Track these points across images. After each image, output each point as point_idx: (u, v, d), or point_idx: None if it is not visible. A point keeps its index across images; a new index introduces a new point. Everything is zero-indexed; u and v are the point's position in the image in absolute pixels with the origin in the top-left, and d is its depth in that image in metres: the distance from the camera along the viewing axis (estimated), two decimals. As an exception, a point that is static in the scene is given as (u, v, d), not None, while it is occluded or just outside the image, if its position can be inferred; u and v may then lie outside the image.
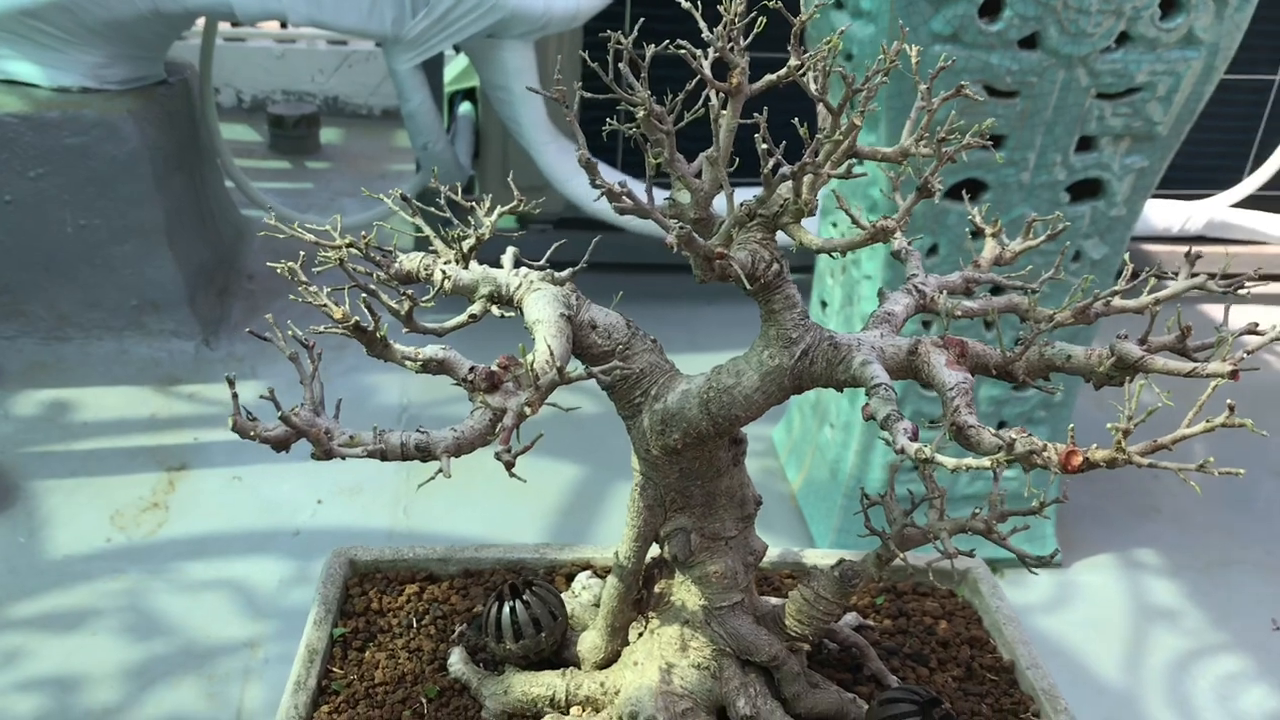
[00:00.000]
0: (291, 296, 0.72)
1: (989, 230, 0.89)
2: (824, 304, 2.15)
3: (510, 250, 0.86)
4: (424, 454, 0.65)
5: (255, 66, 4.24)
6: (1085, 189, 1.87)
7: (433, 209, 0.87)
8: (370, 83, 4.29)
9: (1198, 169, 3.30)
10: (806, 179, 0.69)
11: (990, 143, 0.72)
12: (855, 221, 0.79)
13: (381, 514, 2.14)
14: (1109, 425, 0.63)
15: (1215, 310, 3.09)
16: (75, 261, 2.55)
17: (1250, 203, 3.27)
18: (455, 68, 3.21)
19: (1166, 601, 2.10)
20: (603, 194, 0.70)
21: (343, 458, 0.63)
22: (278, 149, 3.90)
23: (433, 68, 2.97)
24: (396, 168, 3.89)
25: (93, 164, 2.47)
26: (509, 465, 0.63)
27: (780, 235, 0.78)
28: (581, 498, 2.24)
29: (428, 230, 0.85)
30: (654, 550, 0.89)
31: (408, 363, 0.70)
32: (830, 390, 2.15)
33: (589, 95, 0.75)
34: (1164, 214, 3.12)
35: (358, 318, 0.68)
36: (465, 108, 3.07)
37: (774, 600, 0.92)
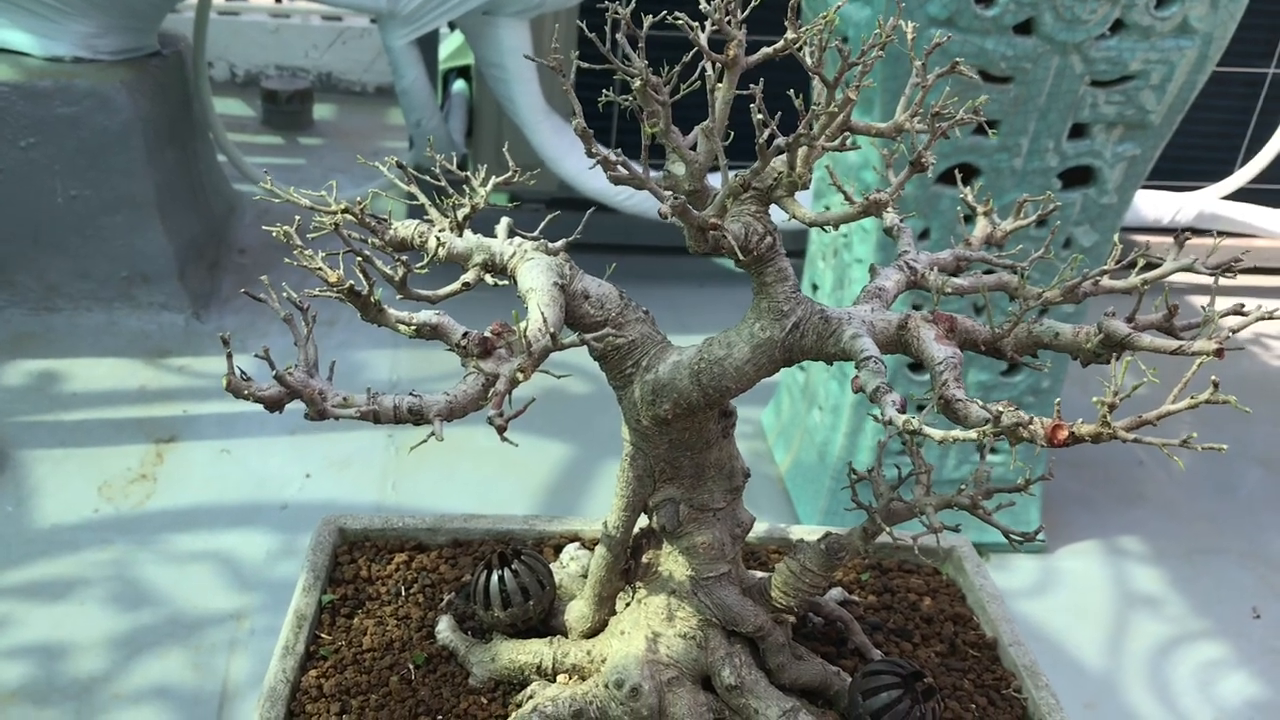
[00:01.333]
0: (286, 260, 0.72)
1: (981, 209, 0.89)
2: (815, 287, 2.16)
3: (505, 220, 0.87)
4: (416, 417, 0.65)
5: (249, 41, 4.23)
6: (1077, 176, 1.87)
7: (428, 177, 0.87)
8: (364, 59, 4.28)
9: (1189, 160, 3.32)
10: (801, 151, 0.70)
11: (983, 118, 0.73)
12: (848, 198, 0.80)
13: (370, 488, 2.14)
14: (1094, 399, 0.64)
15: (1204, 302, 3.11)
16: (65, 232, 2.55)
17: (1241, 195, 3.28)
18: (450, 45, 3.20)
19: (1149, 588, 2.12)
20: (597, 163, 0.70)
21: (336, 418, 0.63)
22: (270, 124, 3.89)
23: (428, 44, 2.96)
24: (389, 144, 3.88)
25: (84, 134, 2.47)
26: (501, 429, 0.63)
27: (774, 210, 0.78)
28: (568, 475, 2.25)
29: (423, 198, 0.85)
30: (642, 521, 0.90)
31: (401, 327, 0.70)
32: (820, 373, 2.16)
33: (585, 66, 0.75)
34: (1154, 205, 3.14)
35: (352, 282, 0.69)
36: (459, 85, 3.06)
37: (760, 574, 0.93)
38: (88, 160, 2.49)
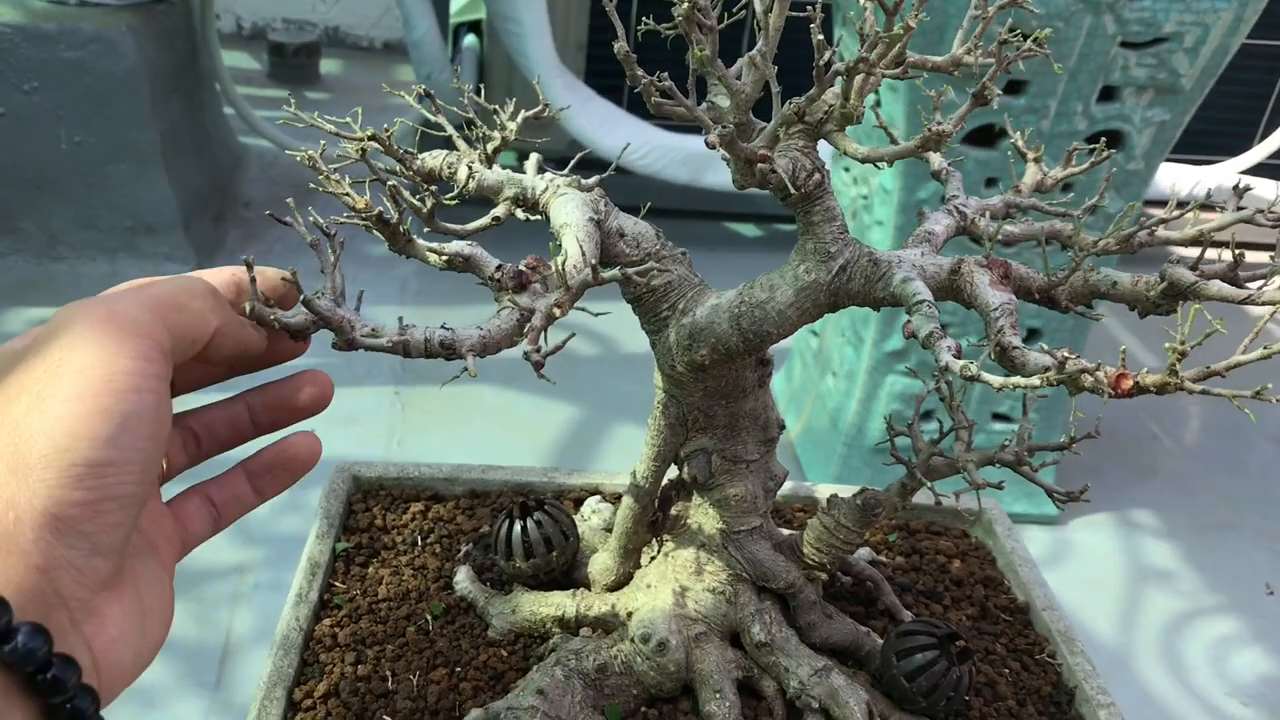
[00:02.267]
0: (311, 185, 0.69)
1: (1031, 155, 0.86)
2: (831, 250, 2.12)
3: (534, 156, 0.84)
4: (448, 351, 0.61)
5: (256, -7, 4.17)
6: (1105, 140, 1.83)
7: (454, 111, 0.83)
8: (372, 14, 4.22)
9: (1208, 134, 3.27)
10: (857, 80, 0.66)
11: (1046, 50, 0.69)
12: (893, 139, 0.76)
13: (375, 446, 2.11)
14: (1165, 345, 0.61)
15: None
16: (69, 179, 2.50)
17: (1259, 171, 3.24)
18: (462, -1, 3.15)
19: (1162, 563, 2.10)
20: (640, 87, 0.67)
21: (365, 349, 0.60)
22: (277, 78, 3.83)
23: (439, -3, 2.91)
24: (396, 101, 3.83)
25: (89, 80, 2.42)
26: (538, 366, 0.60)
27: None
28: (576, 436, 2.22)
29: (450, 130, 0.81)
30: (670, 473, 0.87)
31: (431, 257, 0.67)
32: (834, 338, 2.12)
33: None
34: (1173, 177, 3.10)
35: (380, 209, 0.65)
36: (470, 40, 3.01)
37: (788, 531, 0.90)
38: (92, 106, 2.44)
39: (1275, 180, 3.18)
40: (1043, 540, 2.11)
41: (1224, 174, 3.15)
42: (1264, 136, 3.28)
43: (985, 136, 1.81)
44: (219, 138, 2.94)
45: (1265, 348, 0.63)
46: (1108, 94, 1.77)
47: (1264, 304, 0.66)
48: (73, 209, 2.53)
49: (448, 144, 0.82)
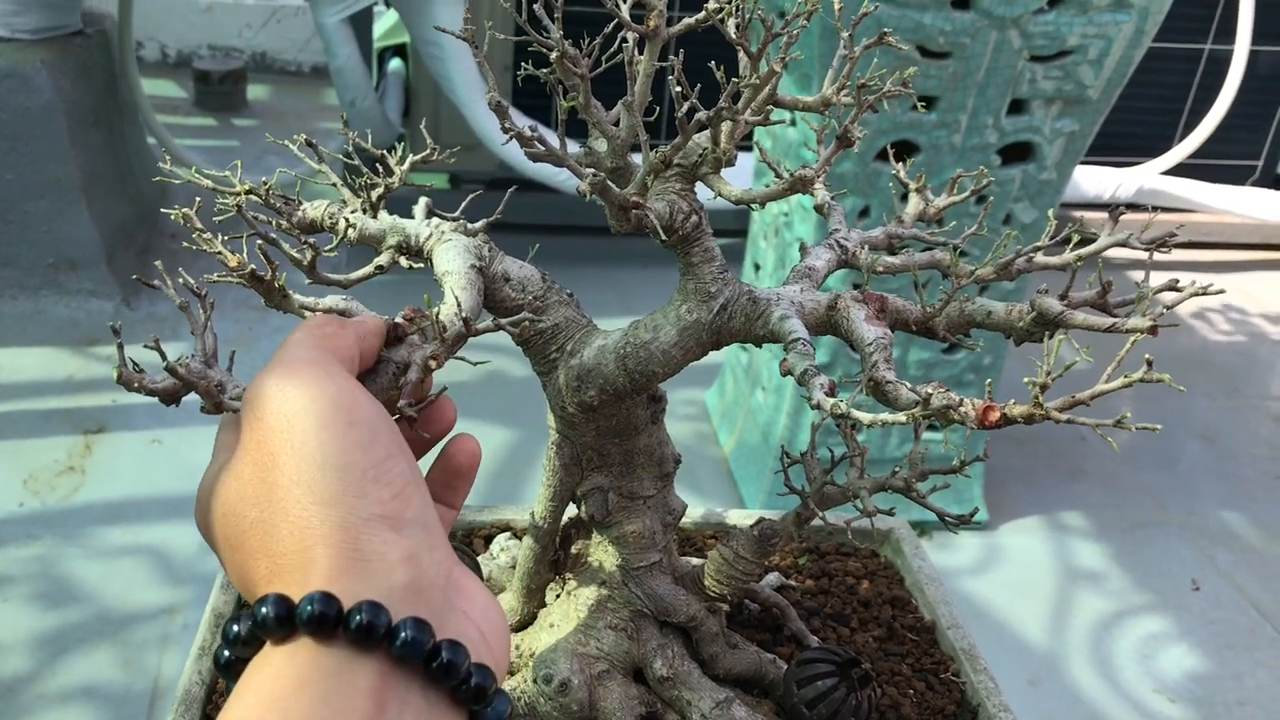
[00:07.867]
0: (185, 244, 0.68)
1: (913, 185, 0.87)
2: (757, 267, 2.14)
3: (422, 200, 0.83)
4: (322, 408, 0.61)
5: (180, 20, 4.12)
6: (1016, 152, 1.87)
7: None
8: (299, 39, 4.19)
9: (1129, 136, 3.33)
10: (725, 126, 0.67)
11: (911, 90, 0.70)
12: (778, 175, 0.77)
13: (306, 478, 2.10)
14: (1026, 380, 0.62)
15: (1142, 278, 3.13)
16: (-14, 218, 2.47)
17: (1180, 170, 3.31)
18: (385, 23, 3.14)
19: (1091, 563, 2.13)
20: (511, 138, 0.67)
21: (234, 411, 0.60)
22: (203, 105, 3.80)
23: (362, 23, 2.90)
24: (326, 125, 3.81)
25: (4, 116, 2.39)
26: (411, 420, 0.60)
27: (702, 189, 0.76)
28: (505, 462, 2.22)
29: (334, 178, 0.81)
30: (571, 510, 0.87)
31: (306, 313, 0.67)
32: (763, 354, 2.14)
33: (503, 37, 0.72)
34: (1094, 180, 3.15)
35: (254, 265, 0.65)
36: (395, 64, 3.00)
37: (695, 561, 0.90)
38: (8, 143, 2.41)
39: (1194, 180, 3.25)
40: (973, 546, 2.14)
41: (1145, 175, 3.21)
42: (1183, 137, 3.35)
43: (902, 151, 1.83)
44: (143, 170, 2.90)
45: (1126, 376, 0.64)
46: (1017, 106, 1.81)
47: (1127, 332, 0.68)
48: (-8, 248, 2.49)
49: (352, 170, 0.82)
